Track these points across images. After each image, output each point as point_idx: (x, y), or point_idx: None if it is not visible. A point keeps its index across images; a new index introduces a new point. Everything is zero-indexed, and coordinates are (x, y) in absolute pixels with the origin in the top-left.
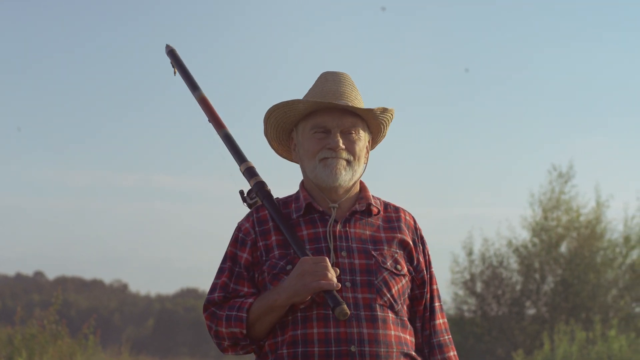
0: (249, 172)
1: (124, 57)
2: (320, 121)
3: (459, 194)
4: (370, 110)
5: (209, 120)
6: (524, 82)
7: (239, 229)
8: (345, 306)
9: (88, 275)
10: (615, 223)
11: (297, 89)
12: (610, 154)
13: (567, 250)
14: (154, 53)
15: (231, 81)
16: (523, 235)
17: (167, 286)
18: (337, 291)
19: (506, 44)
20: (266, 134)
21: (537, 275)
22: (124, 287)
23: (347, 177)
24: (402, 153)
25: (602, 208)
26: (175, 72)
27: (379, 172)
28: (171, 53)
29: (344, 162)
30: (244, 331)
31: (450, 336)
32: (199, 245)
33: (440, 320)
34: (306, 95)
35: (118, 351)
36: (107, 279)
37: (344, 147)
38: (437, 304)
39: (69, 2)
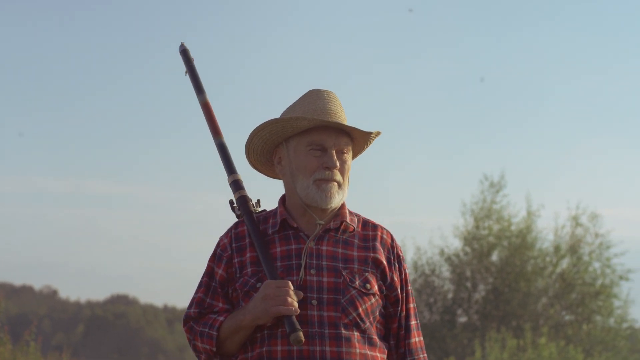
0: (236, 185)
1: (58, 56)
2: (317, 139)
3: (391, 202)
4: (368, 134)
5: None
6: (456, 92)
7: (218, 244)
8: (300, 333)
9: (17, 281)
10: (545, 232)
11: (285, 100)
12: (541, 164)
13: (498, 259)
14: (95, 52)
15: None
16: (455, 244)
17: (97, 292)
18: (303, 308)
19: (440, 51)
20: (249, 145)
21: (468, 284)
22: (53, 293)
23: (337, 200)
24: None
25: (532, 217)
26: (186, 72)
27: None
28: (184, 52)
29: (336, 185)
30: (214, 349)
31: (425, 355)
32: (129, 252)
33: (416, 339)
34: (295, 112)
35: (59, 357)
36: (37, 284)
37: (339, 166)
38: (412, 322)
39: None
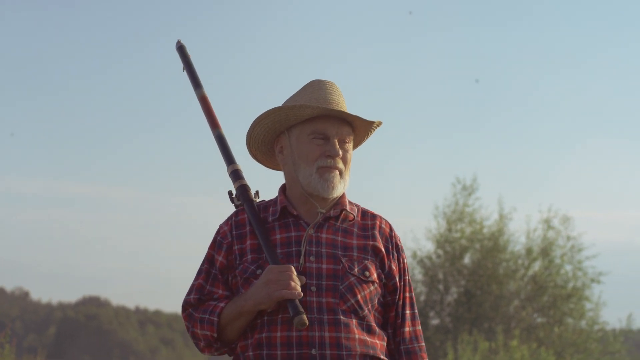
0: (235, 175)
1: (34, 58)
2: (320, 127)
3: (364, 203)
4: (370, 123)
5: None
6: (436, 94)
7: (218, 231)
8: (304, 316)
9: None
10: (517, 235)
11: (284, 92)
12: (512, 167)
13: (471, 262)
14: (70, 50)
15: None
16: (427, 247)
17: (69, 294)
18: (303, 294)
19: (422, 55)
20: (251, 134)
21: (441, 286)
22: (25, 295)
23: (340, 189)
24: None
25: (504, 220)
26: (183, 69)
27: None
28: (180, 49)
29: (339, 174)
30: (215, 335)
31: (421, 344)
32: (101, 254)
33: (411, 328)
34: (297, 101)
35: (34, 359)
36: (9, 286)
37: (341, 155)
38: (408, 311)
39: None
